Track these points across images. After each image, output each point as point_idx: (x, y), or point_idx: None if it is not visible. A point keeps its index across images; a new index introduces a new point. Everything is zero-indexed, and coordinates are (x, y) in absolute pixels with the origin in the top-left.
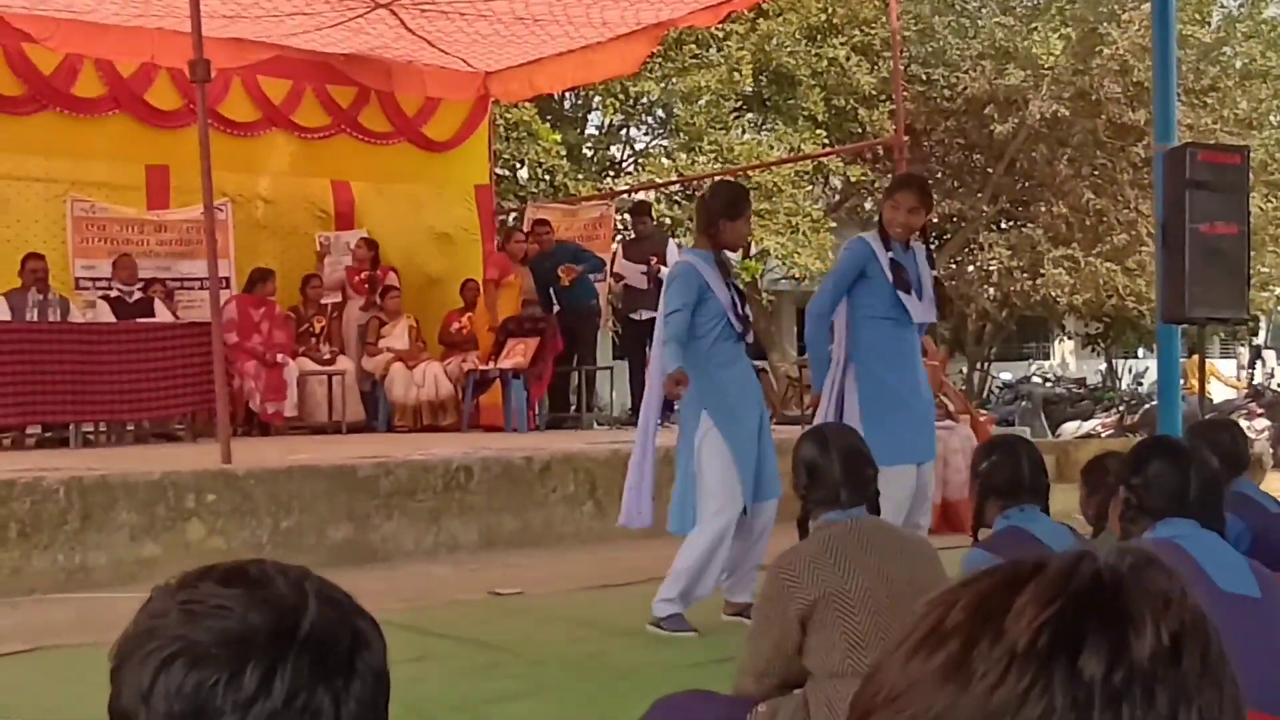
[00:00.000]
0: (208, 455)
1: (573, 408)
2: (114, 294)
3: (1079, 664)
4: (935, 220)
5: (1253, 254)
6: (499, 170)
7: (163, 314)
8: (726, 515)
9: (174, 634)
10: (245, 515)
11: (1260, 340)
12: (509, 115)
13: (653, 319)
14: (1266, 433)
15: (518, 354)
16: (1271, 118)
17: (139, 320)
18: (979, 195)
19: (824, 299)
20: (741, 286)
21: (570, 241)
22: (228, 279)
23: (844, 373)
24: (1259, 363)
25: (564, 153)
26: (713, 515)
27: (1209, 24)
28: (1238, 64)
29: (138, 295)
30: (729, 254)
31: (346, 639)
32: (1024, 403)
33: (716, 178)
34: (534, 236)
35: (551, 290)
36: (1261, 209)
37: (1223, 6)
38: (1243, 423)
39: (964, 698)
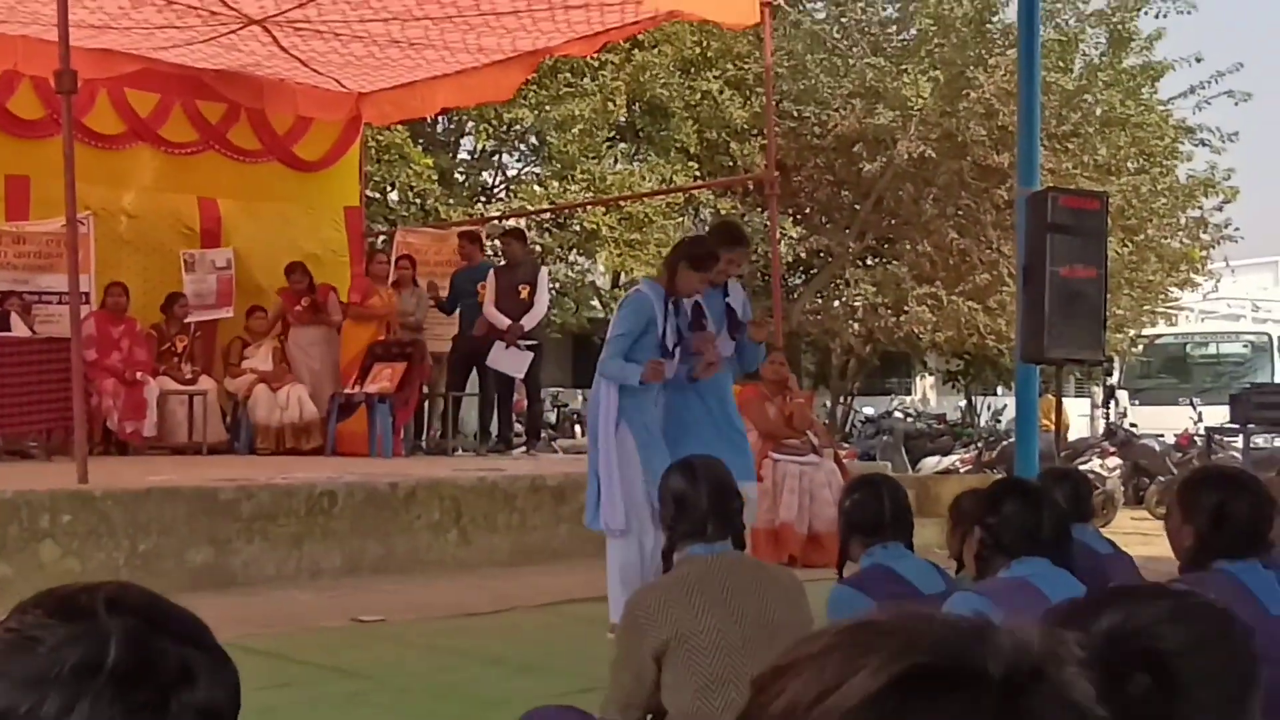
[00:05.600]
0: (63, 474)
1: (438, 433)
2: None
3: None
4: (803, 255)
5: (1108, 297)
6: (369, 192)
7: (19, 328)
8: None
9: None
10: (102, 537)
11: (1114, 381)
12: (381, 137)
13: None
14: (1118, 471)
15: (383, 378)
16: (1129, 164)
17: None
18: (846, 232)
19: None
20: (683, 329)
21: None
22: (88, 294)
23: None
24: (1112, 403)
25: (435, 177)
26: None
27: (1072, 72)
28: (1098, 111)
29: None
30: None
31: (164, 675)
32: (886, 437)
33: (590, 206)
34: (463, 251)
35: (460, 307)
36: (1118, 253)
37: (1085, 55)
38: (1096, 461)
39: None
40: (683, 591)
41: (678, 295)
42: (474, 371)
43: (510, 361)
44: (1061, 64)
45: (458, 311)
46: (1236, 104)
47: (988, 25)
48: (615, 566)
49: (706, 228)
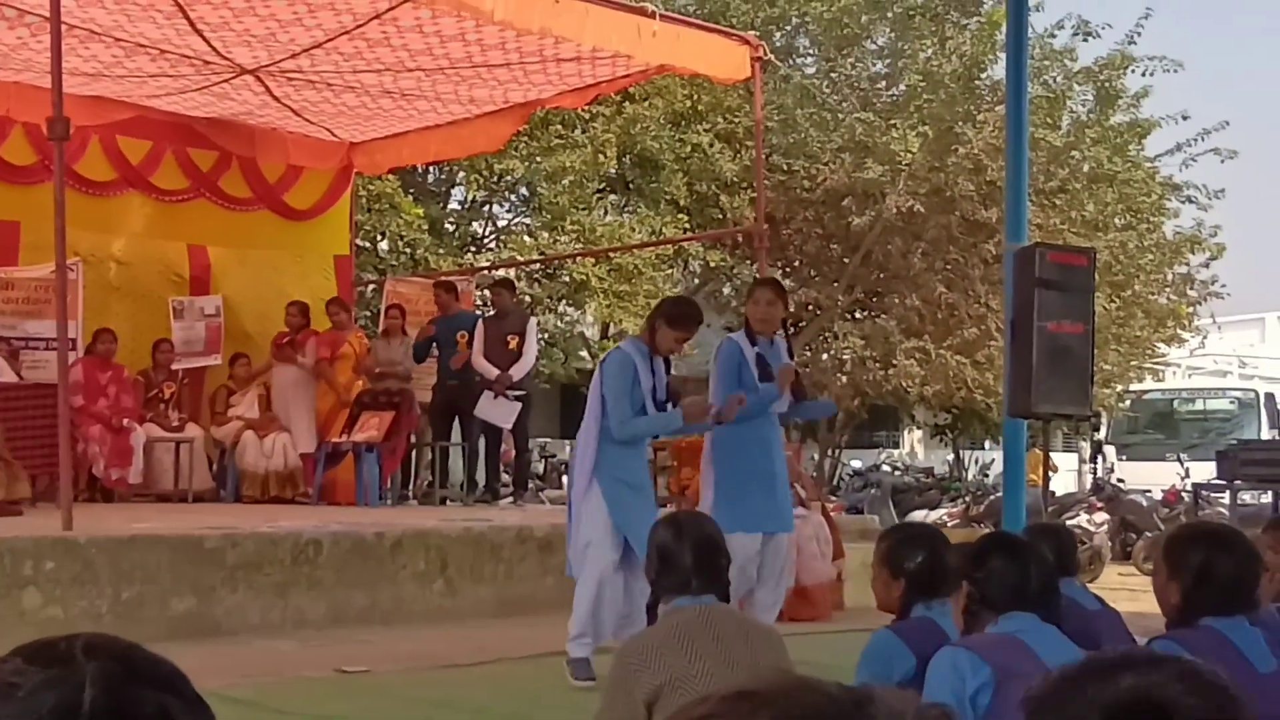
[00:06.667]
0: (48, 521)
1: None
2: None
3: None
4: (792, 308)
5: (1095, 352)
6: (360, 242)
7: (6, 374)
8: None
9: None
10: (85, 584)
11: (1101, 436)
12: (371, 187)
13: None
14: (1106, 526)
15: (371, 428)
16: (1116, 220)
17: None
18: (835, 285)
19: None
20: (668, 378)
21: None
22: (75, 340)
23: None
24: (1100, 458)
25: (426, 227)
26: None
27: (1059, 128)
28: (1085, 168)
29: None
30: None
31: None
32: (873, 490)
33: (579, 257)
34: (439, 300)
35: (438, 355)
36: (1105, 309)
37: (1072, 112)
38: (1083, 516)
39: None
40: (675, 638)
41: (658, 353)
42: (456, 420)
43: (498, 412)
44: (1049, 120)
45: (437, 361)
46: (1223, 161)
47: (976, 82)
48: (587, 593)
49: (695, 280)
